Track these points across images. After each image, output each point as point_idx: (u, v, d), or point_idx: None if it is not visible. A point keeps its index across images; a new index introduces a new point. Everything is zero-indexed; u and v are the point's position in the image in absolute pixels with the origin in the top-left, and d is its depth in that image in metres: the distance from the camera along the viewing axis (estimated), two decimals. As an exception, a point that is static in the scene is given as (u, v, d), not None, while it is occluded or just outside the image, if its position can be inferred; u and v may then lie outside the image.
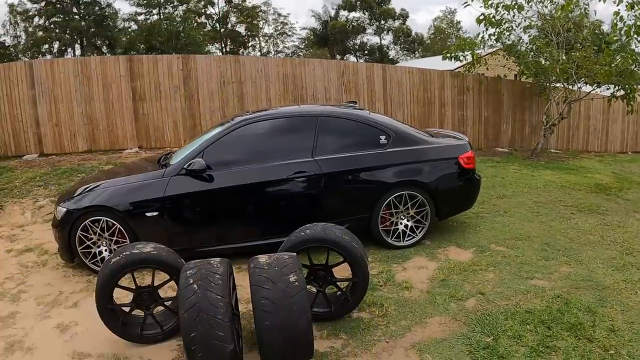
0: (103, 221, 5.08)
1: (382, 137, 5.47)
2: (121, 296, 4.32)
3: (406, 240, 5.49)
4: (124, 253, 3.82)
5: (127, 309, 4.00)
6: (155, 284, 4.05)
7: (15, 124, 8.84)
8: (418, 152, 5.50)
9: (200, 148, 5.27)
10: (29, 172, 7.71)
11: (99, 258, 5.15)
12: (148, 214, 5.06)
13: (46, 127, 9.10)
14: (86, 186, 5.35)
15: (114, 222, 5.07)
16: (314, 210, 5.34)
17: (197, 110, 10.44)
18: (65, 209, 5.15)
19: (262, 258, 3.63)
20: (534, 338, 3.91)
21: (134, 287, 3.99)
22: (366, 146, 5.44)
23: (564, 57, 12.21)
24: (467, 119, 12.77)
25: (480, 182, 5.97)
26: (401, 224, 5.49)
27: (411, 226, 5.49)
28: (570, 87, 12.68)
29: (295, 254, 3.72)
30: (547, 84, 12.88)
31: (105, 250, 5.15)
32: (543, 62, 12.44)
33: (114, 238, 5.12)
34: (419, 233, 5.52)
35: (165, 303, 4.06)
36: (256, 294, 3.37)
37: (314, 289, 4.24)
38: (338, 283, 4.26)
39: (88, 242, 5.13)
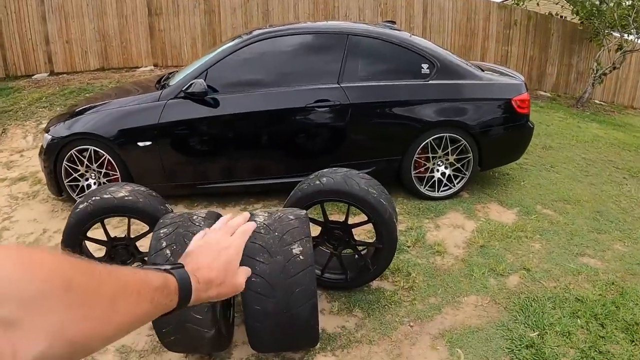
0: (90, 151, 4.14)
1: (425, 66, 4.26)
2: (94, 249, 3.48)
3: (441, 191, 4.40)
4: (93, 198, 2.88)
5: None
6: (132, 235, 3.15)
7: (24, 42, 7.84)
8: (466, 88, 4.29)
9: (203, 67, 4.17)
10: (35, 92, 6.81)
11: (87, 192, 4.26)
12: (140, 144, 4.07)
13: (56, 44, 8.05)
14: (78, 109, 4.39)
15: (103, 152, 4.13)
16: (336, 147, 4.26)
17: (218, 27, 9.10)
18: (50, 137, 4.23)
19: (260, 216, 2.64)
20: (585, 338, 2.94)
21: (106, 239, 3.09)
22: (404, 75, 4.24)
23: (629, 2, 10.50)
24: (511, 56, 11.21)
25: (532, 131, 4.75)
26: (437, 171, 4.36)
27: (449, 175, 4.37)
28: (626, 35, 11.00)
29: (304, 212, 2.71)
30: (602, 29, 11.22)
31: (94, 184, 4.26)
32: (599, 3, 10.77)
33: (103, 170, 4.20)
34: (457, 184, 4.42)
35: (144, 259, 3.17)
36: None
37: (326, 251, 3.29)
38: (358, 247, 3.29)
39: (75, 175, 4.23)
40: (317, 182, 3.01)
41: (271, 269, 2.39)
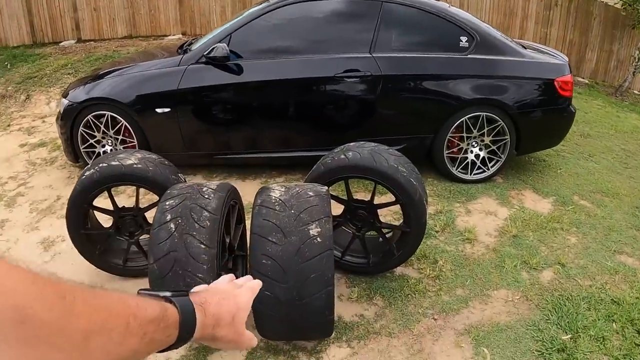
0: (107, 116, 3.88)
1: (463, 39, 3.84)
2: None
3: (474, 174, 4.01)
4: (100, 165, 2.63)
5: (105, 236, 2.90)
6: (142, 206, 2.90)
7: (52, 9, 7.60)
8: (506, 65, 3.86)
9: (227, 31, 3.85)
10: (62, 59, 6.61)
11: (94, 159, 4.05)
12: (159, 110, 3.80)
13: (84, 11, 7.79)
14: (94, 75, 4.15)
15: (120, 118, 3.87)
16: (365, 120, 3.90)
17: (251, -6, 8.63)
18: (67, 102, 3.98)
19: (276, 190, 2.34)
20: (620, 345, 2.61)
21: (112, 209, 2.84)
22: (441, 47, 3.85)
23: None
24: (550, 38, 10.52)
25: (574, 116, 4.29)
26: (471, 152, 3.97)
27: (483, 157, 3.99)
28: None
29: (325, 188, 2.40)
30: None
31: (111, 151, 4.02)
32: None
33: (120, 137, 3.95)
34: (492, 167, 4.02)
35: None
36: (257, 249, 2.12)
37: (349, 232, 2.99)
38: (383, 230, 2.97)
39: (91, 141, 4.00)
40: (342, 156, 2.69)
41: (284, 251, 2.10)
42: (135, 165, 2.61)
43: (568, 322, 2.75)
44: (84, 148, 3.99)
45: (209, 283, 2.04)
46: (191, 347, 2.54)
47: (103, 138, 3.97)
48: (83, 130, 3.93)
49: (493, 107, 3.84)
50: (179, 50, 4.19)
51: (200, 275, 2.07)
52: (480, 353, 2.60)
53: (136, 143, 3.88)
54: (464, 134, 3.90)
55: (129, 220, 2.81)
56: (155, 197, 2.91)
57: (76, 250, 3.23)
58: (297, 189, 2.35)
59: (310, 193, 2.31)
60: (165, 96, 3.78)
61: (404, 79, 3.76)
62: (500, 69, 3.85)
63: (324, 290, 2.14)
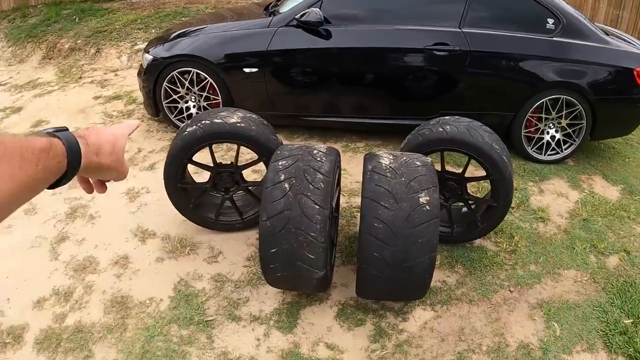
0: (193, 73, 3.91)
1: (550, 21, 3.74)
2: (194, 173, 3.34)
3: (548, 155, 3.96)
4: (203, 122, 2.67)
5: (201, 190, 2.96)
6: (240, 163, 2.95)
7: (119, -39, 7.62)
8: (589, 51, 3.75)
9: None
10: (131, 14, 6.62)
11: (185, 115, 4.09)
12: (246, 70, 3.82)
13: (154, -34, 7.80)
14: (180, 31, 4.15)
15: (206, 75, 3.89)
16: (448, 94, 3.86)
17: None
18: (152, 57, 4.01)
19: (385, 157, 2.36)
20: None
21: (212, 164, 2.90)
22: (527, 27, 3.74)
23: None
24: (622, 21, 9.85)
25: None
26: (547, 133, 3.91)
27: (558, 139, 3.94)
28: None
29: (429, 160, 2.42)
30: None
31: (194, 107, 4.06)
32: None
33: (204, 94, 3.98)
34: (565, 150, 3.95)
35: (249, 188, 2.97)
36: (369, 212, 2.16)
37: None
38: (469, 202, 2.98)
39: (175, 96, 4.04)
40: (440, 129, 2.70)
41: (395, 216, 2.13)
42: (238, 124, 2.65)
43: (631, 307, 2.78)
44: (166, 103, 4.04)
45: (320, 242, 2.09)
46: (284, 301, 2.62)
47: (186, 94, 4.01)
48: (167, 86, 3.98)
49: (573, 91, 3.76)
50: (265, 12, 4.17)
51: (312, 234, 2.12)
52: (551, 327, 2.66)
53: (220, 101, 3.92)
54: (543, 115, 3.83)
55: (226, 176, 2.86)
56: (251, 156, 2.97)
57: (162, 202, 3.35)
58: (405, 157, 2.36)
59: (418, 163, 2.33)
60: (254, 56, 3.80)
61: (491, 56, 3.69)
62: (583, 54, 3.74)
63: (428, 255, 2.18)
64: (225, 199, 2.90)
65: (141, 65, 4.22)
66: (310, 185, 2.15)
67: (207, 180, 2.93)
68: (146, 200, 3.44)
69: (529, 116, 3.81)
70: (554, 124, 3.89)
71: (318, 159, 2.27)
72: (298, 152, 2.32)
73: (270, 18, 3.84)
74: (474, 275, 2.88)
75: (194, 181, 3.03)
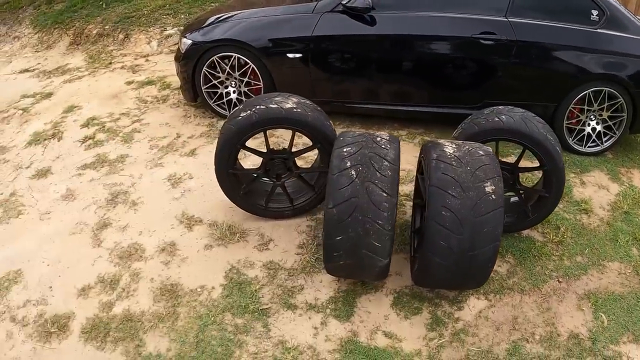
0: (234, 58, 3.82)
1: (594, 12, 3.65)
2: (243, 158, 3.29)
3: (588, 147, 3.88)
4: (258, 107, 2.61)
5: (252, 176, 2.91)
6: (293, 149, 2.88)
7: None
8: (633, 43, 3.65)
9: None
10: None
11: (224, 100, 4.01)
12: (290, 55, 3.73)
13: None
14: (218, 16, 4.05)
15: (248, 60, 3.80)
16: (492, 83, 3.75)
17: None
18: (191, 41, 3.92)
19: (448, 146, 2.30)
20: None
21: (265, 150, 2.85)
22: (572, 18, 3.65)
23: None
24: None
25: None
26: (589, 125, 3.83)
27: (599, 131, 3.86)
28: None
29: (490, 149, 2.36)
30: None
31: (234, 92, 3.98)
32: None
33: (245, 79, 3.90)
34: (606, 142, 3.87)
35: (301, 175, 2.91)
36: (436, 201, 2.11)
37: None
38: (520, 192, 2.93)
39: (214, 81, 3.96)
40: (496, 119, 2.64)
41: (462, 204, 2.09)
42: (295, 110, 2.59)
43: (672, 300, 2.74)
44: (205, 88, 3.98)
45: (387, 230, 2.04)
46: (339, 289, 2.58)
47: (227, 79, 3.94)
48: (207, 71, 3.91)
49: (616, 83, 3.67)
50: None
51: (380, 222, 2.08)
52: (599, 318, 2.64)
53: (262, 86, 3.85)
54: (585, 107, 3.75)
55: (279, 162, 2.81)
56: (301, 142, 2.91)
57: (206, 188, 3.30)
58: (467, 146, 2.31)
59: (481, 152, 2.27)
60: (298, 41, 3.71)
61: (537, 46, 3.60)
62: (627, 46, 3.65)
63: (493, 244, 2.14)
64: (277, 185, 2.85)
65: (178, 49, 4.13)
66: (378, 173, 2.10)
67: (259, 166, 2.87)
68: (189, 186, 3.38)
69: (572, 107, 3.73)
70: (595, 116, 3.81)
71: (383, 146, 2.22)
72: (361, 139, 2.27)
73: (315, 3, 3.75)
74: (523, 265, 2.84)
75: (246, 167, 2.98)
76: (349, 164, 2.14)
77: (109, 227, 3.08)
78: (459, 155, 2.21)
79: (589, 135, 3.85)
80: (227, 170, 2.74)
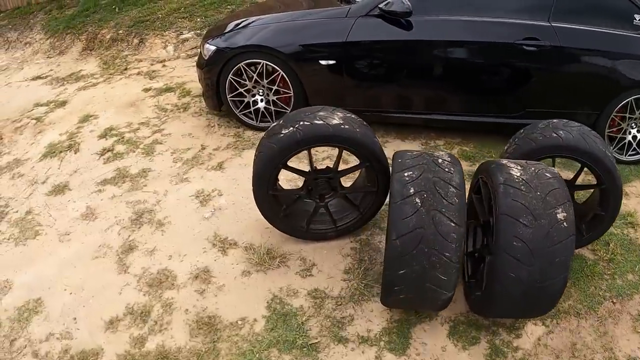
0: (262, 65, 3.60)
1: (637, 17, 3.44)
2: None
3: (629, 155, 3.70)
4: (302, 123, 2.41)
5: (294, 197, 2.71)
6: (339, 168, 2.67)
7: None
8: None
9: None
10: (173, 2, 6.29)
11: (252, 109, 3.80)
12: (323, 62, 3.51)
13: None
14: (240, 20, 3.83)
15: (276, 67, 3.58)
16: (533, 91, 3.52)
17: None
18: (214, 47, 3.71)
19: (514, 168, 2.11)
20: None
21: (308, 169, 2.65)
22: (614, 23, 3.46)
23: None
24: None
25: None
26: (629, 133, 3.65)
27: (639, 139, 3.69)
28: None
29: (556, 171, 2.18)
30: None
31: (261, 101, 3.77)
32: None
33: (274, 87, 3.68)
34: (646, 151, 3.72)
35: (346, 195, 2.72)
36: (507, 230, 1.92)
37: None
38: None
39: (241, 90, 3.75)
40: (554, 134, 2.45)
41: (534, 234, 1.91)
42: (342, 126, 2.40)
43: None
44: (231, 97, 3.78)
45: (454, 263, 1.86)
46: (392, 319, 2.40)
47: (254, 87, 3.74)
48: (232, 78, 3.71)
49: None
50: (339, 1, 3.86)
51: (447, 254, 1.90)
52: None
53: (292, 94, 3.65)
54: (627, 114, 3.56)
55: (322, 182, 2.62)
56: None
57: (238, 207, 3.08)
58: (533, 168, 2.12)
59: (548, 174, 2.09)
60: (331, 47, 3.49)
61: (581, 52, 3.41)
62: None
63: (563, 275, 1.97)
64: (320, 206, 2.66)
65: (201, 55, 3.93)
66: (444, 200, 1.92)
67: (301, 186, 2.68)
68: (220, 204, 3.15)
69: (613, 115, 3.55)
70: (636, 124, 3.63)
71: (446, 169, 2.03)
72: (422, 161, 2.08)
73: (348, 7, 3.54)
74: (577, 287, 2.66)
75: (288, 188, 2.79)
76: (412, 190, 1.96)
77: (135, 250, 2.85)
78: (526, 178, 2.03)
79: (629, 143, 3.67)
80: (267, 191, 2.54)
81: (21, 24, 6.90)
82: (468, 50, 3.49)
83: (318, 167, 2.66)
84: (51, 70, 5.93)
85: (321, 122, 2.40)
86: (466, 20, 3.44)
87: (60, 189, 3.46)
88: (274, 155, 2.43)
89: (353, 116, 2.52)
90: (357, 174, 2.84)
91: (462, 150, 3.75)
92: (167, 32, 5.87)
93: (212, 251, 2.81)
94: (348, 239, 2.77)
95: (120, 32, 6.13)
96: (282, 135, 2.43)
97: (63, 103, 4.89)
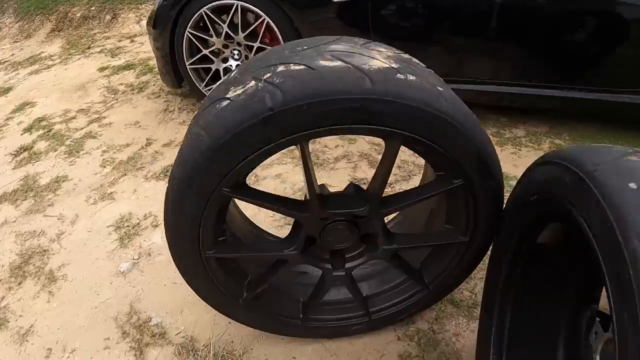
0: (236, 8, 1.93)
1: None
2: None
3: None
4: (281, 72, 0.71)
5: (270, 261, 1.03)
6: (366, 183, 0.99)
7: None
8: None
9: None
10: (152, -30, 4.74)
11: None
12: None
13: None
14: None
15: (259, 11, 1.91)
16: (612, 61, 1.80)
17: None
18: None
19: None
20: None
21: (303, 197, 0.96)
22: None
23: None
24: None
25: None
26: None
27: None
28: None
29: None
30: None
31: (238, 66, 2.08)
32: None
33: (256, 44, 1.99)
34: None
35: (398, 252, 1.02)
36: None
37: None
38: None
39: (205, 51, 2.09)
40: None
41: None
42: (400, 78, 0.70)
43: None
44: (191, 64, 2.11)
45: None
46: None
47: (226, 46, 2.06)
48: (191, 33, 2.03)
49: None
50: None
51: None
52: None
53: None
54: None
55: (342, 227, 0.92)
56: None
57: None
58: None
59: None
60: None
61: None
62: None
63: None
64: (334, 278, 0.96)
65: (151, 13, 2.25)
66: None
67: (289, 234, 0.99)
68: (150, 244, 1.58)
69: None
70: None
71: None
72: None
73: None
74: None
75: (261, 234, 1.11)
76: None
77: (4, 330, 1.38)
78: None
79: None
80: (200, 248, 0.87)
81: (-7, 9, 5.39)
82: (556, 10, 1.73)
83: (330, 190, 0.94)
84: (12, 54, 4.49)
85: (338, 64, 0.70)
86: None
87: None
88: (203, 164, 0.75)
89: (421, 64, 0.82)
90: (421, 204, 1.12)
91: (553, 143, 2.01)
92: (143, 5, 4.27)
93: (118, 348, 1.25)
94: (392, 332, 1.08)
95: (93, 8, 4.59)
96: (227, 105, 0.74)
97: (7, 90, 3.50)
